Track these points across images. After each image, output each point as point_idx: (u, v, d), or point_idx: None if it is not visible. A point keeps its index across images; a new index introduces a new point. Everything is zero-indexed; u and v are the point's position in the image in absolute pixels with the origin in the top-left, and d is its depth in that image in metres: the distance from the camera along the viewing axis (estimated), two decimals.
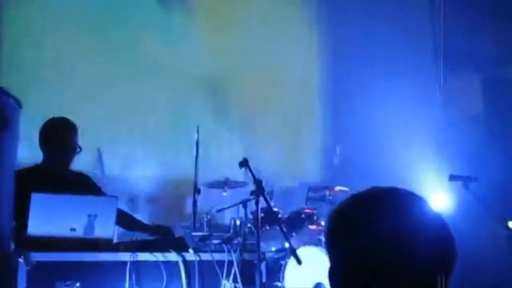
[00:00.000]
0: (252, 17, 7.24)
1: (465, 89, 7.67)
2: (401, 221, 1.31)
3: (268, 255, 5.46)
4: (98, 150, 6.19)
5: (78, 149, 4.42)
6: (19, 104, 2.84)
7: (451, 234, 1.35)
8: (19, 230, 3.56)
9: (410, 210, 1.34)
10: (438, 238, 1.32)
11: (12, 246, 3.72)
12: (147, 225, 4.56)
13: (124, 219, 4.44)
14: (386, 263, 1.28)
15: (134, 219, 4.64)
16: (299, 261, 4.19)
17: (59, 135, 4.38)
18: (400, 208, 1.34)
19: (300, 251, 5.15)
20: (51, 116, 4.51)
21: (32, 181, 4.11)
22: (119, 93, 6.54)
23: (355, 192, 1.40)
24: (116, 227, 3.81)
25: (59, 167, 4.39)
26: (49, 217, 3.58)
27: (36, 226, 3.54)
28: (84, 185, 4.47)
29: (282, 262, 5.49)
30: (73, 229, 3.62)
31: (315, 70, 7.65)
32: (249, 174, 4.44)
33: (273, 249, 5.70)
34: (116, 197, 3.91)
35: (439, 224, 1.35)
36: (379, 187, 1.40)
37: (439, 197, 6.66)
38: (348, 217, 1.37)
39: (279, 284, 5.40)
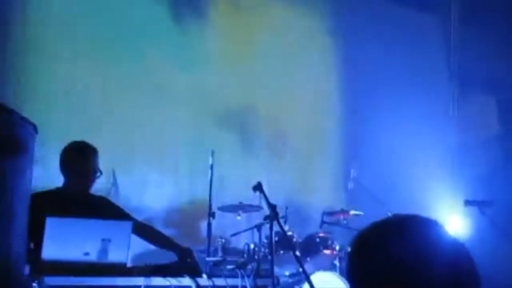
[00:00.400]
0: (269, 43, 7.26)
1: (480, 111, 7.64)
2: (421, 247, 1.33)
3: (282, 279, 5.43)
4: (113, 172, 6.20)
5: (98, 173, 4.47)
6: (35, 129, 2.86)
7: (471, 258, 1.37)
8: (35, 253, 3.58)
9: (429, 235, 1.37)
10: (457, 262, 1.34)
11: (27, 270, 3.74)
12: (172, 243, 4.53)
13: (150, 234, 4.57)
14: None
15: (159, 234, 4.66)
16: (312, 287, 4.17)
17: (79, 160, 4.43)
18: (419, 234, 1.36)
19: (315, 276, 5.13)
20: (68, 140, 4.55)
21: (53, 204, 4.17)
22: (134, 117, 6.56)
23: (375, 221, 1.43)
24: (129, 251, 3.79)
25: (80, 191, 4.42)
26: (63, 241, 3.59)
27: (50, 250, 3.54)
28: (105, 208, 4.50)
29: (297, 287, 5.46)
30: (86, 253, 3.62)
31: (329, 93, 7.64)
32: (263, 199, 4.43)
33: (288, 273, 5.67)
34: (131, 221, 3.92)
35: (457, 248, 1.37)
36: (398, 214, 1.43)
37: (455, 221, 6.61)
38: (369, 244, 1.39)
39: None
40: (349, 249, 1.47)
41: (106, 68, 6.40)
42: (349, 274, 1.42)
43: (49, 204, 4.19)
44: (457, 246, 1.37)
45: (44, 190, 4.53)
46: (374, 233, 1.41)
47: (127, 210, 4.69)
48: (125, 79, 6.50)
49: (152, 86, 6.61)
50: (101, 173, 4.49)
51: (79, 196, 4.40)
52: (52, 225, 3.55)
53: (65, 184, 4.46)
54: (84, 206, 4.32)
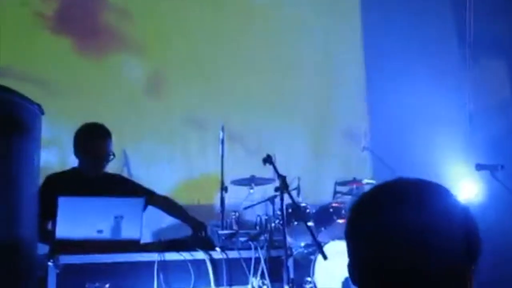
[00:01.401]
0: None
1: (492, 75, 7.57)
2: (424, 211, 1.28)
3: (297, 250, 5.47)
4: (124, 151, 6.24)
5: (111, 156, 4.46)
6: (40, 110, 2.87)
7: (475, 224, 1.32)
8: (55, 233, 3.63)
9: (433, 200, 1.31)
10: (461, 227, 1.30)
11: (46, 249, 3.80)
12: (187, 216, 4.52)
13: (167, 206, 4.61)
14: (409, 253, 1.26)
15: (177, 206, 4.65)
16: (325, 257, 4.18)
17: (93, 143, 4.41)
18: (423, 198, 1.31)
19: (329, 246, 5.15)
20: (82, 122, 4.57)
21: (69, 184, 4.22)
22: (142, 92, 6.60)
23: (379, 183, 1.39)
24: (143, 228, 3.82)
25: (93, 173, 4.44)
26: (76, 220, 3.63)
27: (64, 229, 3.58)
28: (121, 185, 4.52)
29: (312, 257, 5.49)
30: (100, 231, 3.66)
31: (340, 62, 7.62)
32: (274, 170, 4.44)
33: (303, 244, 5.70)
34: (143, 198, 3.94)
35: (462, 214, 1.32)
36: (401, 178, 1.37)
37: (467, 186, 6.59)
38: (367, 209, 1.35)
39: (309, 279, 5.40)
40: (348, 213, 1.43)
41: None
42: (346, 242, 1.38)
43: (65, 184, 4.24)
44: (463, 214, 1.32)
45: (60, 171, 4.58)
46: (372, 198, 1.36)
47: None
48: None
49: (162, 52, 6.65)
50: (114, 156, 4.49)
51: (94, 176, 4.42)
52: (64, 204, 3.58)
53: (79, 165, 4.48)
54: (100, 185, 4.34)
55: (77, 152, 4.44)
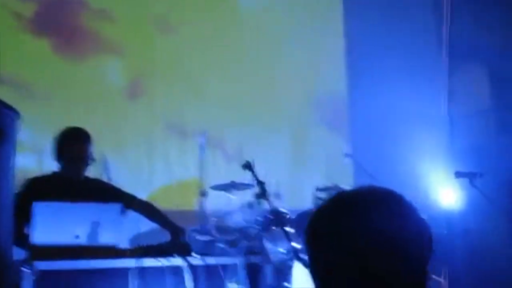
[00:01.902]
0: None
1: (472, 82, 7.61)
2: (380, 219, 1.32)
3: (278, 256, 5.45)
4: (104, 156, 6.20)
5: (91, 160, 4.44)
6: (17, 115, 2.84)
7: (428, 226, 1.37)
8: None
9: (387, 208, 1.35)
10: (418, 232, 1.34)
11: (24, 255, 3.75)
12: (166, 221, 4.51)
13: (147, 211, 4.60)
14: (358, 262, 1.30)
15: (156, 211, 4.63)
16: (304, 263, 4.18)
17: (73, 147, 4.38)
18: (378, 207, 1.35)
19: None
20: (61, 126, 4.53)
21: (49, 189, 4.17)
22: (119, 99, 6.57)
23: (335, 194, 1.43)
24: (119, 233, 3.79)
25: (74, 176, 4.40)
26: (52, 226, 3.59)
27: (40, 235, 3.55)
28: (101, 191, 4.48)
29: (290, 263, 5.47)
30: (76, 237, 3.63)
31: (322, 70, 7.63)
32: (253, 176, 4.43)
33: (281, 250, 5.67)
34: (120, 203, 3.91)
35: (417, 218, 1.36)
36: (349, 190, 1.45)
37: (446, 193, 6.62)
38: (328, 217, 1.38)
39: (287, 285, 5.37)
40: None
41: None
42: (309, 249, 1.42)
43: (45, 189, 4.21)
44: (416, 218, 1.37)
45: (40, 175, 4.54)
46: (326, 212, 1.40)
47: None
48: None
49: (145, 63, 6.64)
50: (94, 159, 4.46)
51: (74, 181, 4.38)
52: (40, 210, 3.55)
53: (60, 169, 4.44)
54: (81, 190, 4.30)
55: (57, 156, 4.41)
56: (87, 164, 4.43)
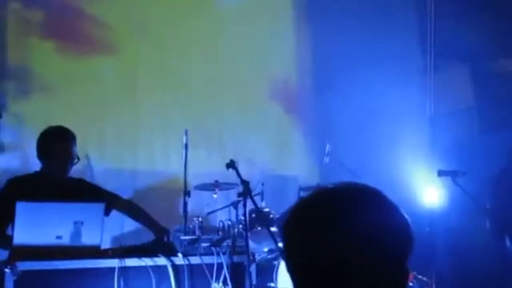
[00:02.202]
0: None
1: (454, 82, 7.66)
2: (362, 217, 1.31)
3: (260, 255, 5.46)
4: (87, 156, 6.18)
5: (75, 159, 4.40)
6: None
7: (408, 222, 1.35)
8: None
9: (366, 204, 1.34)
10: (397, 229, 1.33)
11: (6, 255, 3.73)
12: (151, 221, 4.43)
13: (131, 211, 4.52)
14: (354, 259, 1.28)
15: (141, 211, 4.54)
16: None
17: (56, 146, 4.34)
18: (357, 203, 1.34)
19: None
20: (44, 125, 4.50)
21: (31, 188, 4.13)
22: (108, 97, 6.55)
23: (314, 190, 1.41)
24: (104, 233, 3.78)
25: (57, 176, 4.37)
26: (34, 226, 3.57)
27: (22, 235, 3.53)
28: (84, 190, 4.44)
29: (275, 262, 5.48)
30: (59, 237, 3.61)
31: (303, 70, 7.64)
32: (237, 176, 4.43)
33: (266, 249, 5.68)
34: (103, 203, 3.89)
35: (397, 214, 1.35)
36: (327, 186, 1.40)
37: (429, 192, 6.66)
38: (306, 212, 1.37)
39: (272, 284, 5.39)
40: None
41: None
42: (287, 248, 1.41)
43: (28, 188, 4.17)
44: (397, 213, 1.35)
45: (22, 174, 4.50)
46: (304, 207, 1.39)
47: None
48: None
49: (125, 60, 6.65)
50: (78, 159, 4.43)
51: (57, 180, 4.35)
52: (22, 210, 3.53)
53: (42, 169, 4.40)
54: (63, 190, 4.26)
55: (41, 155, 4.37)
56: (71, 164, 4.39)
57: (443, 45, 7.77)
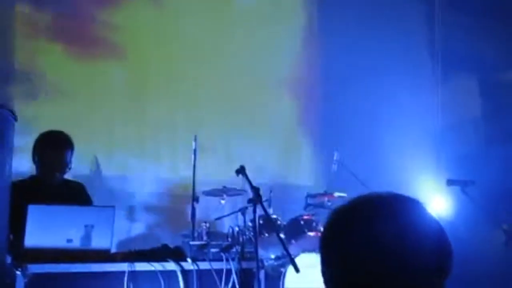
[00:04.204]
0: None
1: (463, 93, 7.66)
2: (398, 225, 1.29)
3: (268, 262, 5.45)
4: (96, 159, 6.19)
5: (68, 167, 4.36)
6: (14, 117, 2.81)
7: (447, 237, 1.34)
8: (15, 242, 3.55)
9: (407, 214, 1.33)
10: (434, 241, 1.31)
11: (9, 259, 3.72)
12: None
13: None
14: (383, 267, 1.27)
15: None
16: (297, 269, 4.18)
17: (47, 153, 4.32)
18: (397, 212, 1.32)
19: (300, 258, 5.14)
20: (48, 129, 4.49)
21: (26, 192, 4.09)
22: (116, 102, 6.56)
23: (353, 198, 1.39)
24: (112, 237, 3.78)
25: (48, 181, 4.34)
26: (45, 229, 3.57)
27: (33, 238, 3.53)
28: (75, 196, 4.41)
29: (282, 269, 5.47)
30: (69, 240, 3.61)
31: (311, 76, 7.64)
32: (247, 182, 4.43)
33: (273, 256, 5.67)
34: (113, 206, 3.90)
35: (435, 228, 1.34)
36: (376, 192, 1.38)
37: (438, 201, 6.65)
38: (345, 221, 1.35)
39: None
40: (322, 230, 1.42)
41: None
42: (322, 253, 1.39)
43: (22, 192, 4.13)
44: (436, 226, 1.34)
45: (18, 179, 4.47)
46: (349, 211, 1.37)
47: (110, 197, 4.65)
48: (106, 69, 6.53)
49: (132, 67, 6.65)
50: (70, 167, 4.38)
51: (54, 184, 4.34)
52: (34, 212, 3.53)
53: (36, 172, 4.39)
54: (53, 193, 4.24)
55: (33, 160, 4.36)
56: (62, 171, 4.35)
57: (451, 55, 7.77)
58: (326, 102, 7.52)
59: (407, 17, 7.79)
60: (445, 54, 7.92)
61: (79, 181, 4.67)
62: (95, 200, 4.60)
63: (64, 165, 4.33)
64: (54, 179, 4.34)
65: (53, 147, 4.32)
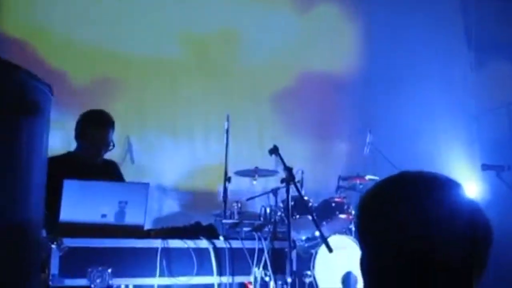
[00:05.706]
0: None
1: (497, 78, 7.56)
2: (434, 205, 1.28)
3: (298, 243, 5.45)
4: (128, 139, 6.22)
5: (111, 146, 4.42)
6: (50, 91, 2.81)
7: (486, 218, 1.32)
8: (50, 217, 3.58)
9: (444, 193, 1.31)
10: (471, 222, 1.29)
11: (44, 233, 3.76)
12: None
13: None
14: (419, 248, 1.25)
15: None
16: (330, 249, 4.16)
17: (94, 132, 4.37)
18: (433, 191, 1.31)
19: (331, 240, 5.13)
20: (86, 106, 4.52)
21: (62, 169, 4.13)
22: (147, 78, 6.59)
23: (383, 179, 1.38)
24: (146, 213, 3.79)
25: (91, 160, 4.40)
26: (80, 204, 3.60)
27: (68, 212, 3.56)
28: (109, 173, 4.46)
29: (312, 251, 5.48)
30: (104, 216, 3.64)
31: (345, 59, 7.60)
32: (280, 162, 4.41)
33: (303, 238, 5.68)
34: (148, 183, 3.91)
35: (473, 208, 1.32)
36: (406, 172, 1.37)
37: (472, 186, 6.59)
38: (381, 201, 1.34)
39: (309, 272, 5.39)
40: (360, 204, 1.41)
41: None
42: (359, 236, 1.38)
43: (58, 168, 4.17)
44: (473, 207, 1.32)
45: (54, 155, 4.52)
46: (384, 190, 1.36)
47: (142, 176, 4.66)
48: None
49: (165, 48, 6.66)
50: (113, 145, 4.44)
51: (89, 163, 4.38)
52: (69, 188, 3.56)
53: (77, 150, 4.44)
54: (90, 172, 4.27)
55: (78, 137, 4.41)
56: (106, 150, 4.41)
57: (486, 41, 7.68)
58: (363, 86, 7.48)
59: (442, 2, 7.73)
60: (479, 40, 7.82)
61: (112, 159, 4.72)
62: (127, 179, 4.65)
63: (108, 144, 4.39)
64: (99, 158, 4.41)
65: (100, 126, 4.37)
